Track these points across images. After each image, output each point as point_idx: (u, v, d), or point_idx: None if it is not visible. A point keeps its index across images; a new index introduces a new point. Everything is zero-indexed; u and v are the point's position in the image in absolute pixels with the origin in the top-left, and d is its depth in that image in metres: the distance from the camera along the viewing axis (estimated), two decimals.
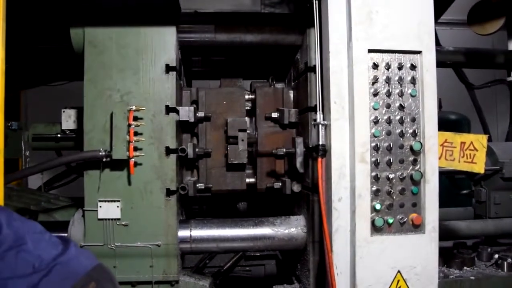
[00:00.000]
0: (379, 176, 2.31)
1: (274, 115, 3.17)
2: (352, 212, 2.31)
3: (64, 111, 3.16)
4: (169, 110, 2.78)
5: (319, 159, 2.38)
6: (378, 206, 2.30)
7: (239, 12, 3.31)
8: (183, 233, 2.89)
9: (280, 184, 3.10)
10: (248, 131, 3.08)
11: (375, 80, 2.32)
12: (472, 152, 2.27)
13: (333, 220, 2.35)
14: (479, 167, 2.23)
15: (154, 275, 2.76)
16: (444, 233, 3.44)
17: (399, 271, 2.30)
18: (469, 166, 2.29)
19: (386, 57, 2.33)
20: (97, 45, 2.69)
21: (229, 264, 3.75)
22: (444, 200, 4.96)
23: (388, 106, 2.32)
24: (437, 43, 3.76)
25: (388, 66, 2.32)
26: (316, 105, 2.47)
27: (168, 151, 2.78)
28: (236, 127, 3.03)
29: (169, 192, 2.79)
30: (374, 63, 2.31)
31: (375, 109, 2.31)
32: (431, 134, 2.31)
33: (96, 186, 2.68)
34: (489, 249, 3.46)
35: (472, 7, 3.47)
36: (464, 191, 4.14)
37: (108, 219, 2.68)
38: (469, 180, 3.92)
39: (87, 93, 2.67)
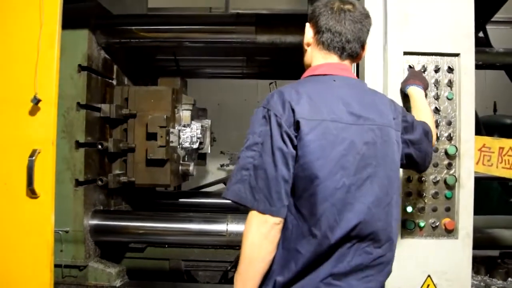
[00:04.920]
0: (411, 178, 2.29)
1: None
2: None
3: None
4: (81, 106, 2.99)
5: None
6: (409, 209, 2.28)
7: None
8: (92, 222, 3.13)
9: None
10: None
11: None
12: (511, 158, 2.20)
13: None
14: None
15: (64, 259, 2.98)
16: (488, 241, 3.33)
17: (429, 276, 2.28)
18: (507, 172, 2.22)
19: (422, 59, 2.30)
20: None
21: None
22: (496, 208, 4.79)
23: None
24: (488, 44, 3.63)
25: (424, 69, 2.29)
26: None
27: (78, 144, 2.99)
28: (156, 124, 3.16)
29: (77, 183, 3.00)
30: (409, 66, 2.30)
31: None
32: (467, 138, 2.27)
33: None
34: None
35: None
36: None
37: None
38: None
39: None
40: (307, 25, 1.65)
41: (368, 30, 1.63)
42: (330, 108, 1.46)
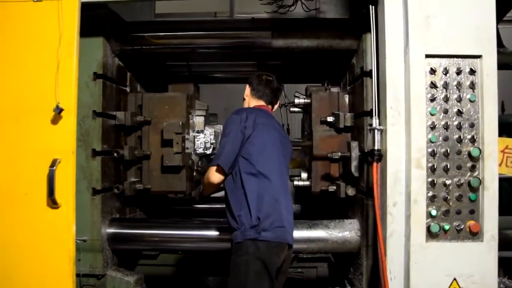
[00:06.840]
0: (435, 182, 2.28)
1: (330, 119, 3.21)
2: (407, 217, 2.31)
3: None
4: (96, 114, 2.99)
5: (375, 164, 2.39)
6: (434, 212, 2.28)
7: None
8: (110, 230, 3.12)
9: (335, 187, 3.12)
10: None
11: (432, 85, 2.30)
12: None
13: (387, 225, 2.36)
14: None
15: (81, 268, 2.94)
16: (507, 243, 3.31)
17: (455, 279, 2.27)
18: None
19: (444, 62, 2.30)
20: None
21: None
22: (507, 208, 4.76)
23: (446, 111, 2.30)
24: (500, 44, 3.62)
25: (446, 71, 2.29)
26: (372, 110, 2.48)
27: (94, 153, 2.98)
28: (172, 130, 3.13)
29: (94, 191, 3.00)
30: (431, 68, 2.29)
31: (432, 115, 2.30)
32: (490, 140, 2.26)
33: None
34: None
35: None
36: None
37: None
38: None
39: None
40: (247, 86, 2.74)
41: (281, 92, 2.87)
42: (264, 120, 2.55)
